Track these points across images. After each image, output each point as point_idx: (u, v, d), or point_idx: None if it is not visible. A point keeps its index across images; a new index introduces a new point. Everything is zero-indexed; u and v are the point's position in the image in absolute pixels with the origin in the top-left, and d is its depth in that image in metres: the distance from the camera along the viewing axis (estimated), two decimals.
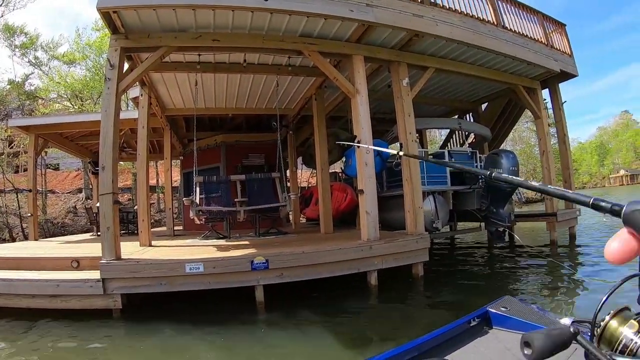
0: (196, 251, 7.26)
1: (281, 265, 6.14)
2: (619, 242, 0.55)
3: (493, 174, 1.08)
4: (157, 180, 26.11)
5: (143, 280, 5.82)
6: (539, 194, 15.06)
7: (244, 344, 4.81)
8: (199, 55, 7.83)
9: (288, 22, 6.90)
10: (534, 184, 0.92)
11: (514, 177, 1.04)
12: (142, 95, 8.97)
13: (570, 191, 0.77)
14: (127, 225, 13.59)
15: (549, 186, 0.85)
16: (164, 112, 11.19)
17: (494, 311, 2.15)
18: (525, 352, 0.89)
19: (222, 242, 8.91)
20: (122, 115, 7.96)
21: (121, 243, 6.33)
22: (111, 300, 5.76)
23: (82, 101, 27.03)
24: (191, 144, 12.02)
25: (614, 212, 0.58)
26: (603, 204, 0.63)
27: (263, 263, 5.99)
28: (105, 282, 5.74)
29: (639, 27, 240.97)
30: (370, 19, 7.02)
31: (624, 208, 0.53)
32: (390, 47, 8.18)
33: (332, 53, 7.77)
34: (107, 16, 6.23)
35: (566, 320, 2.15)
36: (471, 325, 2.07)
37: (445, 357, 1.76)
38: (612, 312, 1.09)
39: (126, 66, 7.27)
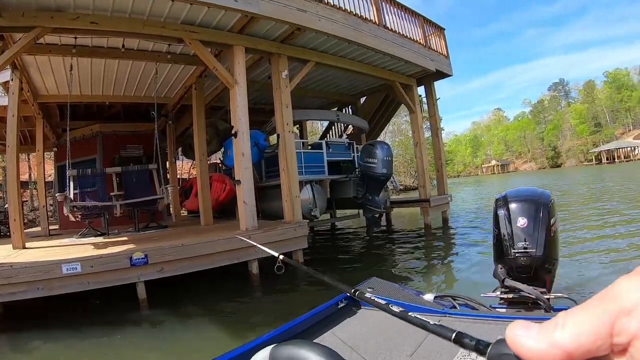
0: (73, 250, 6.76)
1: (161, 260, 5.96)
2: None
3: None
4: (30, 175, 24.18)
5: (19, 286, 5.30)
6: (416, 182, 15.99)
7: (128, 344, 4.66)
8: (76, 38, 7.27)
9: (170, 8, 6.66)
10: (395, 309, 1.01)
11: None
12: (12, 79, 8.07)
13: (431, 323, 0.76)
14: None
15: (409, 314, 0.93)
16: (37, 98, 10.27)
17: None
18: None
19: (100, 239, 8.42)
20: None
21: None
22: None
23: None
24: (66, 134, 11.36)
25: (479, 350, 0.51)
26: (466, 340, 0.59)
27: (142, 258, 5.79)
28: None
29: (513, 35, 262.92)
30: (254, 10, 6.99)
31: (489, 349, 0.46)
32: (272, 39, 8.22)
33: (213, 42, 7.63)
34: None
35: (429, 296, 2.36)
36: (339, 306, 2.15)
37: (315, 340, 1.81)
38: None
39: None
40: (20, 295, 5.33)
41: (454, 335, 0.63)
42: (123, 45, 7.97)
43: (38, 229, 12.96)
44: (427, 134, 16.39)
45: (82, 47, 7.71)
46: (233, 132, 7.42)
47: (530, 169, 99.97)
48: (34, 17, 6.22)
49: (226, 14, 7.06)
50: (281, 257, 1.95)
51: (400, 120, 46.72)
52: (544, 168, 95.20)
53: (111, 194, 8.77)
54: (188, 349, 4.41)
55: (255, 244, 2.37)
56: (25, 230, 8.09)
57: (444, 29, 13.07)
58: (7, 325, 5.27)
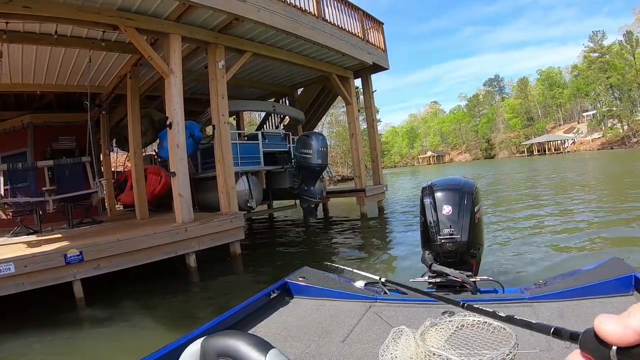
0: (5, 250, 6.34)
1: (97, 256, 5.81)
2: None
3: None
4: None
5: None
6: (352, 172, 16.28)
7: (66, 343, 4.52)
8: (7, 22, 6.87)
9: None
10: (501, 314, 1.05)
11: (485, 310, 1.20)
12: None
13: (534, 321, 0.86)
14: None
15: (515, 316, 0.98)
16: None
17: (293, 282, 2.36)
18: None
19: (33, 237, 7.97)
20: None
21: None
22: None
23: None
24: None
25: (573, 338, 0.60)
26: (563, 332, 0.67)
27: (77, 255, 5.61)
28: None
29: (453, 31, 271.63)
30: None
31: (580, 336, 0.54)
32: (209, 28, 8.13)
33: (149, 30, 7.45)
34: None
35: (360, 283, 2.46)
36: (272, 297, 2.23)
37: (249, 331, 1.86)
38: None
39: None
40: None
41: (552, 330, 0.71)
42: (56, 32, 7.62)
43: None
44: (364, 125, 16.69)
45: (13, 33, 7.34)
46: (168, 123, 7.33)
47: (465, 159, 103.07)
48: None
49: (163, 1, 6.91)
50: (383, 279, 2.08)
51: (338, 111, 47.02)
52: (478, 159, 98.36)
53: (43, 189, 8.42)
54: (127, 345, 4.37)
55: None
56: None
57: (383, 24, 13.40)
58: None
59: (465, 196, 2.66)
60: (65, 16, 6.66)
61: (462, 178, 2.94)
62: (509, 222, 9.10)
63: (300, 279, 2.39)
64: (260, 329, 1.93)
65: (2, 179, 7.97)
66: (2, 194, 7.83)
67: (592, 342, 0.51)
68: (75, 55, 9.09)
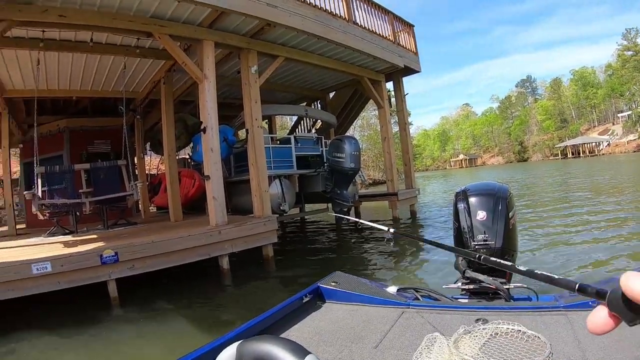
0: (42, 250, 6.57)
1: (131, 257, 5.92)
2: (600, 321, 0.57)
3: (482, 257, 1.22)
4: None
5: None
6: (384, 176, 16.23)
7: (100, 341, 4.62)
8: (43, 31, 7.10)
9: (140, 2, 6.59)
10: (521, 268, 1.01)
11: (503, 262, 1.14)
12: None
13: (556, 276, 0.81)
14: None
15: (536, 271, 0.93)
16: (2, 93, 10.00)
17: (325, 286, 2.32)
18: None
19: (69, 237, 8.21)
20: None
21: None
22: None
23: None
24: (31, 130, 11.08)
25: (599, 295, 0.59)
26: (588, 289, 0.65)
27: (113, 256, 5.73)
28: None
29: (484, 32, 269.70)
30: (223, 5, 6.98)
31: (608, 294, 0.55)
32: (242, 34, 8.21)
33: (183, 37, 7.58)
34: None
35: (392, 288, 2.43)
36: (304, 301, 2.20)
37: (281, 335, 1.85)
38: None
39: None
40: None
41: (577, 286, 0.69)
42: (91, 39, 7.78)
43: (4, 228, 12.67)
44: (396, 128, 16.61)
45: (49, 41, 7.54)
46: (202, 127, 7.42)
47: (497, 163, 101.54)
48: (1, 9, 6.06)
49: (196, 8, 7.02)
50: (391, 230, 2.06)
51: (369, 114, 46.94)
52: (510, 162, 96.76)
53: (80, 191, 8.64)
54: (160, 345, 4.44)
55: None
56: None
57: (413, 26, 13.34)
58: None
59: (499, 201, 2.63)
60: (99, 24, 6.85)
61: (496, 183, 2.91)
62: (542, 227, 8.89)
63: (332, 283, 2.36)
64: (293, 333, 1.91)
65: (39, 181, 8.17)
66: (40, 195, 8.02)
67: (619, 301, 0.51)
68: (110, 62, 9.28)
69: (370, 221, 2.48)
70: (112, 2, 6.53)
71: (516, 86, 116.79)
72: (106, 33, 7.52)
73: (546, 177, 29.23)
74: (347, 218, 4.32)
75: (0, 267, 5.34)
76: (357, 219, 2.97)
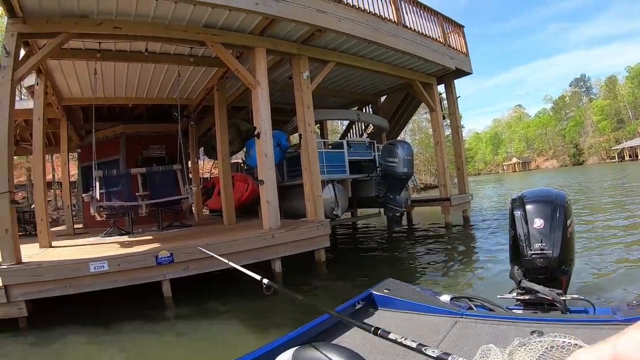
0: (100, 249, 6.91)
1: (186, 258, 6.08)
2: None
3: None
4: (53, 176, 24.60)
5: (47, 284, 5.45)
6: (436, 180, 16.05)
7: (154, 340, 4.76)
8: (99, 43, 7.41)
9: (192, 12, 6.75)
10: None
11: None
12: (37, 84, 8.26)
13: None
14: (24, 226, 12.51)
15: None
16: (61, 101, 10.47)
17: (378, 293, 2.32)
18: None
19: (125, 238, 8.59)
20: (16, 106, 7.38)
21: (20, 246, 5.85)
22: (16, 308, 5.31)
23: None
24: (89, 136, 11.40)
25: None
26: None
27: (168, 257, 5.91)
28: (8, 289, 5.27)
29: (535, 30, 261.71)
30: (274, 12, 7.04)
31: None
32: (292, 40, 8.27)
33: (235, 45, 7.71)
34: None
35: (446, 297, 2.40)
36: (356, 308, 2.21)
37: (333, 341, 1.87)
38: None
39: (22, 53, 6.73)
40: (48, 293, 5.48)
41: None
42: (146, 49, 8.10)
43: (63, 227, 13.18)
44: (448, 131, 16.37)
45: (105, 52, 7.82)
46: (256, 133, 7.51)
47: (551, 166, 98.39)
48: (59, 23, 6.36)
49: (247, 16, 7.12)
50: (265, 280, 2.05)
51: (420, 118, 46.42)
52: (565, 166, 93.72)
53: (137, 194, 8.90)
54: (213, 345, 4.52)
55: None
56: (50, 229, 8.24)
57: (463, 27, 13.09)
58: (37, 322, 5.41)
59: (557, 209, 2.55)
60: (154, 34, 7.06)
61: (553, 189, 2.82)
62: (600, 236, 8.47)
63: (385, 290, 2.35)
64: (345, 340, 1.91)
65: (98, 184, 8.49)
66: (98, 197, 8.33)
67: None
68: (165, 70, 9.54)
69: (244, 266, 2.42)
70: (165, 13, 6.71)
71: (570, 85, 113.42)
72: (160, 43, 7.78)
73: (603, 180, 28.17)
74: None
75: (60, 264, 5.62)
76: (232, 264, 2.73)
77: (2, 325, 5.28)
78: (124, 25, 6.74)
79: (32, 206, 10.67)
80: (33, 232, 10.34)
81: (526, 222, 2.56)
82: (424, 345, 1.06)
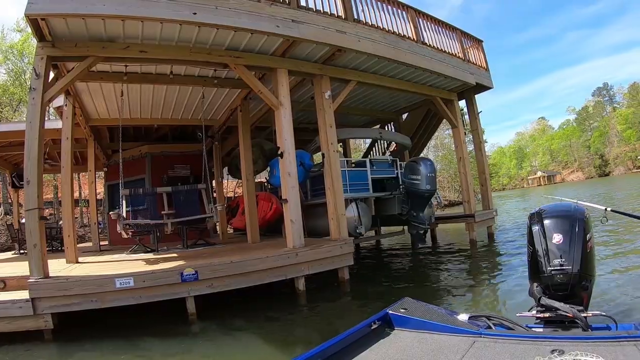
0: (125, 266, 7.08)
1: (211, 276, 6.15)
2: None
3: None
4: (80, 193, 25.08)
5: (73, 298, 5.59)
6: (460, 197, 15.92)
7: (178, 356, 4.81)
8: (126, 66, 7.67)
9: (215, 36, 6.92)
10: None
11: None
12: (66, 105, 8.58)
13: None
14: (51, 241, 12.67)
15: None
16: (88, 122, 10.79)
17: (394, 313, 2.29)
18: None
19: (150, 255, 8.75)
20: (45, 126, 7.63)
21: (47, 260, 6.03)
22: (42, 320, 5.46)
23: (0, 108, 25.58)
24: (115, 155, 11.71)
25: None
26: None
27: (193, 274, 5.99)
28: (35, 301, 5.42)
29: (554, 39, 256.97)
30: (295, 34, 7.19)
31: None
32: (313, 60, 8.38)
33: (257, 66, 7.86)
34: (35, 23, 5.93)
35: (464, 316, 2.40)
36: (372, 328, 2.18)
37: None
38: None
39: (51, 75, 6.95)
40: (74, 307, 5.62)
41: None
42: (171, 72, 8.33)
43: (89, 244, 13.42)
44: (470, 147, 16.29)
45: (132, 74, 8.07)
46: (279, 152, 7.61)
47: (577, 179, 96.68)
48: (87, 47, 6.58)
49: (269, 38, 7.27)
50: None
51: (443, 134, 46.23)
52: (591, 177, 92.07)
53: (162, 212, 9.05)
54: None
55: None
56: (77, 245, 8.43)
57: (482, 41, 13.08)
58: (61, 336, 5.54)
59: (576, 223, 2.51)
60: (178, 57, 7.27)
61: (571, 203, 2.80)
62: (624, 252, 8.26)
63: (401, 310, 2.32)
64: None
65: (124, 202, 8.62)
66: (125, 215, 8.46)
67: None
68: (189, 92, 9.76)
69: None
70: (189, 37, 6.89)
71: (592, 95, 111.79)
72: (185, 65, 7.95)
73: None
74: None
75: (86, 279, 5.78)
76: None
77: (28, 336, 5.44)
78: (149, 49, 6.96)
79: (60, 222, 10.90)
80: (60, 248, 10.54)
81: (545, 238, 2.53)
82: None
